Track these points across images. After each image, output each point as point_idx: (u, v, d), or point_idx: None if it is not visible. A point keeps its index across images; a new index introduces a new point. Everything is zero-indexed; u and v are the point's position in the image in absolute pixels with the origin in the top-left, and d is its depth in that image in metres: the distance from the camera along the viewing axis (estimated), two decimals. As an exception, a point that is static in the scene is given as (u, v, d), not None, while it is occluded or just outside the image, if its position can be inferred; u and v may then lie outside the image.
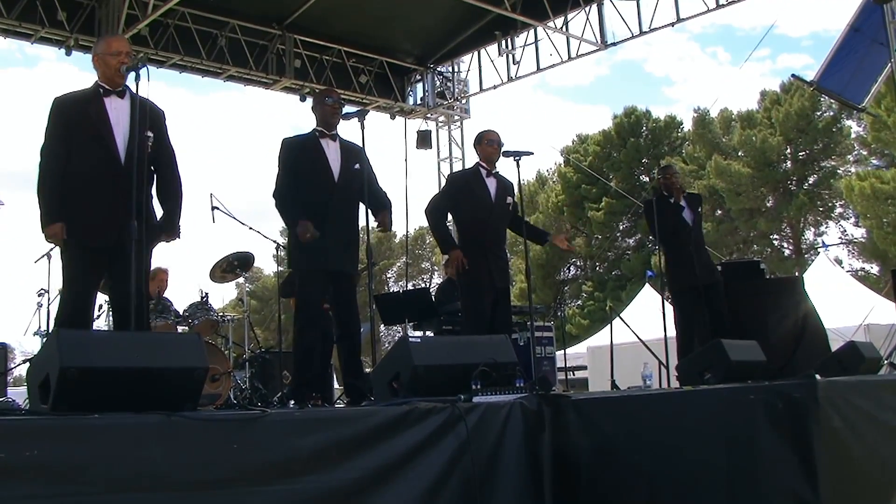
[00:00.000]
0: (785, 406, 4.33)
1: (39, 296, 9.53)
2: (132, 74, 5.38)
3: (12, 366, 10.85)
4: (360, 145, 6.78)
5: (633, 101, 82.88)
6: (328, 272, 6.54)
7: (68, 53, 12.83)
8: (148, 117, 5.49)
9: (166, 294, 10.58)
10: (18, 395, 9.84)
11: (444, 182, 17.44)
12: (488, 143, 7.95)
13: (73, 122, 5.59)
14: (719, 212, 40.35)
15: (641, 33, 14.43)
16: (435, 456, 4.34)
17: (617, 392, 7.24)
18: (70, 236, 5.54)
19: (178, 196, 5.94)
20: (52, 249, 8.79)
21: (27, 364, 9.34)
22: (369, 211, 6.88)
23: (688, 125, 44.35)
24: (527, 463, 4.80)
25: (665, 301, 9.82)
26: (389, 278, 54.99)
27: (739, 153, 39.34)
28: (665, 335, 8.80)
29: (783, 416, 4.33)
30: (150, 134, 5.42)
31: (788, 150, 39.13)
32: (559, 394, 5.49)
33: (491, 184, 7.91)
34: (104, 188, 5.50)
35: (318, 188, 6.61)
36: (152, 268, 10.41)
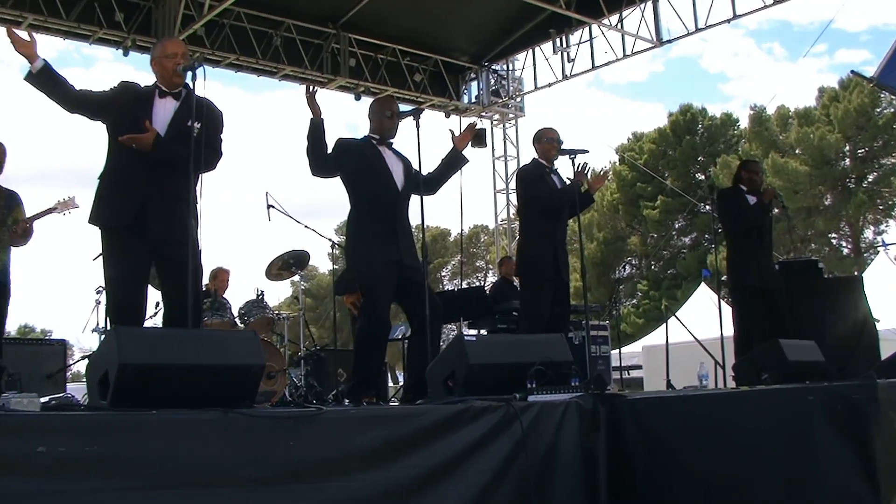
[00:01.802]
0: (844, 407, 4.28)
1: (98, 293, 9.64)
2: (189, 74, 5.42)
3: (71, 362, 10.98)
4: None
5: (688, 98, 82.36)
6: (399, 265, 6.48)
7: (125, 54, 13.00)
8: (202, 113, 5.47)
9: (225, 294, 10.69)
10: (77, 390, 9.97)
11: (500, 181, 17.54)
12: (548, 141, 7.91)
13: (118, 105, 5.62)
14: (776, 210, 39.85)
15: (697, 30, 14.29)
16: (490, 454, 4.33)
17: (672, 392, 7.19)
18: (100, 223, 5.62)
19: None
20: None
21: (86, 360, 9.48)
22: (430, 179, 6.86)
23: (744, 123, 43.88)
24: (582, 462, 4.78)
25: (721, 300, 9.73)
26: (444, 276, 55.02)
27: (797, 151, 38.81)
28: (721, 335, 8.71)
29: (842, 418, 4.27)
30: (196, 125, 5.42)
31: (847, 148, 38.55)
32: (614, 393, 5.46)
33: (555, 180, 7.91)
34: (134, 178, 5.52)
35: (383, 194, 6.53)
36: (215, 267, 10.62)
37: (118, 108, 5.61)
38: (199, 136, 5.43)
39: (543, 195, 7.86)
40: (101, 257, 5.73)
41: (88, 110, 5.69)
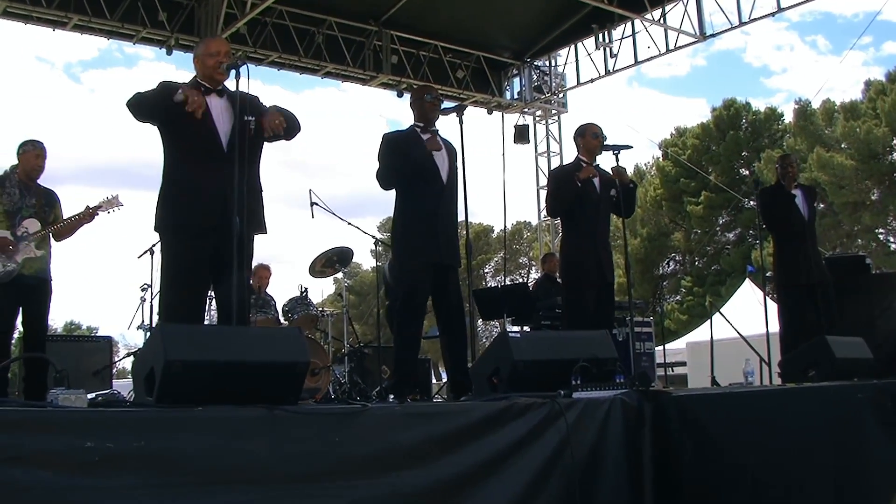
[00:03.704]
0: (894, 404, 4.23)
1: (143, 290, 9.72)
2: (233, 73, 5.42)
3: (117, 359, 11.09)
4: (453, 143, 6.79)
5: (731, 92, 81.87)
6: (436, 266, 6.49)
7: (169, 53, 13.13)
8: (247, 107, 5.45)
9: (268, 290, 10.74)
10: (123, 387, 10.06)
11: (542, 177, 17.47)
12: (593, 136, 7.79)
13: (171, 103, 5.45)
14: (822, 205, 39.37)
15: (741, 24, 14.18)
16: (535, 451, 4.33)
17: (718, 388, 7.13)
18: (179, 223, 5.56)
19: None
20: (154, 245, 8.96)
21: (131, 357, 9.53)
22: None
23: (788, 117, 43.40)
24: (627, 459, 4.76)
25: (766, 297, 9.65)
26: (487, 273, 54.97)
27: (843, 145, 38.33)
28: (767, 331, 8.65)
29: (893, 415, 4.22)
30: (251, 118, 5.40)
31: (895, 142, 38.07)
32: (659, 390, 5.42)
33: (595, 178, 7.81)
34: (210, 175, 5.48)
35: (428, 182, 6.56)
36: (255, 264, 10.64)
37: (172, 105, 5.54)
38: (257, 130, 5.48)
39: (559, 203, 7.91)
40: (157, 257, 5.71)
41: (150, 115, 5.62)
